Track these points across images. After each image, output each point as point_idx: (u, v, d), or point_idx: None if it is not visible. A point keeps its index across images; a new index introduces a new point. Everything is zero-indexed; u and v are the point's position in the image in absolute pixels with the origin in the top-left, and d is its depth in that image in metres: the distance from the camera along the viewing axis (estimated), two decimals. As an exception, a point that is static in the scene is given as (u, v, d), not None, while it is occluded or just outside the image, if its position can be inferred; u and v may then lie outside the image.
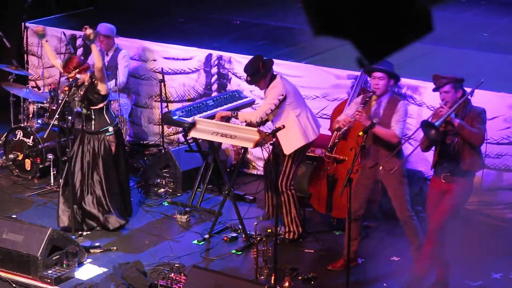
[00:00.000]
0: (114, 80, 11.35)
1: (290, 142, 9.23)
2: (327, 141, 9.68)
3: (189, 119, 9.83)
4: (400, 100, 8.60)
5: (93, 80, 9.42)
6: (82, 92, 9.43)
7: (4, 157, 11.42)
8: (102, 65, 9.40)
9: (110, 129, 9.61)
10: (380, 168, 8.50)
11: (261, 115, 9.22)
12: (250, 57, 10.47)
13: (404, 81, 10.17)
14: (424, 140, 8.14)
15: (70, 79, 9.45)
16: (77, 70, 9.41)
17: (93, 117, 9.55)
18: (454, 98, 7.95)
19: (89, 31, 9.37)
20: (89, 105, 9.49)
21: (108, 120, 9.57)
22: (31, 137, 11.06)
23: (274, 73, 9.34)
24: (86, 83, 9.44)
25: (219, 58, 11.60)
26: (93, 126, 9.58)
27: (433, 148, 8.21)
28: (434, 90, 8.13)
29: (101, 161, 9.58)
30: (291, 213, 9.46)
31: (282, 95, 9.15)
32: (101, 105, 9.51)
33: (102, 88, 9.42)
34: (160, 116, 11.67)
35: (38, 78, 12.97)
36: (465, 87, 8.04)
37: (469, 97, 8.04)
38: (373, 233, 9.62)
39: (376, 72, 8.47)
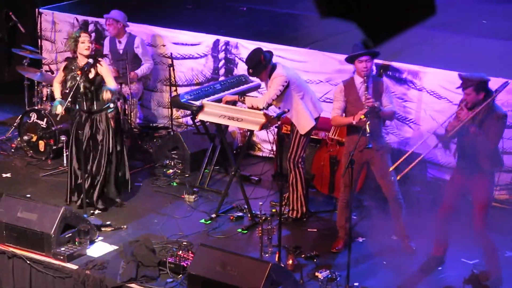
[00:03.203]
0: (145, 66, 11.52)
1: (302, 123, 9.28)
2: (329, 124, 9.66)
3: (197, 103, 9.82)
4: (381, 79, 8.74)
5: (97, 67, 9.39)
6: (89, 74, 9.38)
7: (18, 139, 11.43)
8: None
9: (111, 105, 9.59)
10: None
11: (267, 100, 9.24)
12: (256, 42, 10.46)
13: (404, 66, 10.15)
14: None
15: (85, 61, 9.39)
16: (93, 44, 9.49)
17: (98, 97, 9.47)
18: (475, 100, 7.88)
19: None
20: (95, 85, 9.42)
21: None
22: (45, 119, 11.08)
23: (274, 63, 9.33)
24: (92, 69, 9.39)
25: (226, 43, 11.58)
26: (97, 106, 9.50)
27: None
28: (458, 88, 8.10)
29: (106, 139, 9.53)
30: (297, 191, 9.47)
31: (286, 81, 9.17)
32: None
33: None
34: (169, 100, 11.67)
35: (52, 62, 12.99)
36: (475, 73, 7.98)
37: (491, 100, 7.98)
38: (373, 213, 9.59)
39: (362, 56, 8.51)
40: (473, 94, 7.88)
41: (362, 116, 8.47)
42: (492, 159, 8.09)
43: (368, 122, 8.31)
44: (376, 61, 10.20)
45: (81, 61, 9.37)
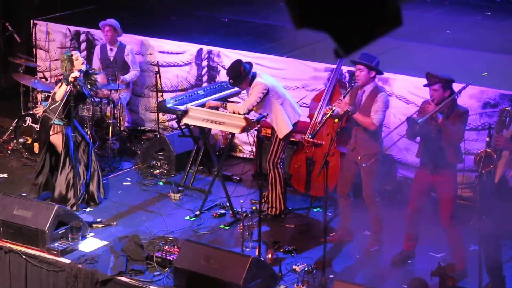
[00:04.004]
0: (132, 73, 11.53)
1: (281, 128, 9.27)
2: (306, 127, 9.69)
3: (182, 107, 9.82)
4: (380, 92, 8.58)
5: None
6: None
7: (15, 141, 11.38)
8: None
9: None
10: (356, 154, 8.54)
11: (248, 107, 9.24)
12: (237, 51, 10.47)
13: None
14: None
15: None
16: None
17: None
18: (441, 97, 7.98)
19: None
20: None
21: None
22: (39, 123, 11.01)
23: (254, 72, 9.32)
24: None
25: (209, 52, 11.57)
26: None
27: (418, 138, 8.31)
28: (425, 86, 8.16)
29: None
30: (276, 190, 9.46)
31: (265, 89, 9.16)
32: None
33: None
34: (156, 104, 11.65)
35: (46, 70, 12.92)
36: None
37: (455, 97, 8.08)
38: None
39: (357, 64, 8.50)
40: (440, 91, 7.97)
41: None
42: (455, 154, 8.15)
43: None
44: (348, 68, 10.26)
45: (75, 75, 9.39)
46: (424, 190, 8.33)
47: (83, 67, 9.38)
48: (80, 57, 9.45)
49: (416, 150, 8.52)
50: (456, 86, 8.20)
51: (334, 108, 8.51)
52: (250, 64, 9.40)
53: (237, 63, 9.35)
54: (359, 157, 8.54)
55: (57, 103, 9.40)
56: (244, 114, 9.25)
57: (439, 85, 7.98)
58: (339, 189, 8.92)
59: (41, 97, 11.27)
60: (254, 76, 9.26)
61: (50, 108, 9.48)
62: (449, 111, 8.01)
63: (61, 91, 9.33)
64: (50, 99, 9.72)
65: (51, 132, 9.49)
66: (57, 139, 9.50)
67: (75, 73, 9.21)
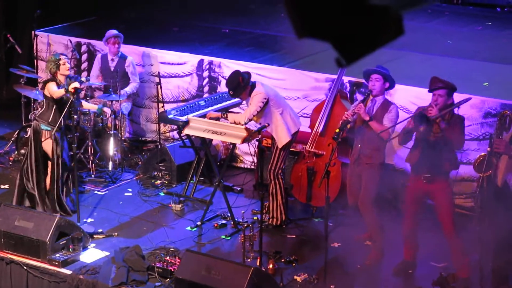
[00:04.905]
0: (133, 85, 11.55)
1: (280, 137, 9.26)
2: (307, 138, 9.69)
3: (183, 118, 9.82)
4: (392, 104, 8.64)
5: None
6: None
7: (16, 152, 11.38)
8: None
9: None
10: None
11: (248, 117, 9.24)
12: (238, 62, 10.47)
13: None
14: (403, 133, 8.18)
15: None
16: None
17: None
18: (445, 103, 8.00)
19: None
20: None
21: None
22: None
23: (253, 81, 9.33)
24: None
25: (210, 63, 11.57)
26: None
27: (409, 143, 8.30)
28: (429, 91, 8.15)
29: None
30: (277, 200, 9.46)
31: (265, 98, 9.16)
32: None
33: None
34: (157, 115, 11.65)
35: (47, 81, 12.91)
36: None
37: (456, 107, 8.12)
38: (348, 220, 9.58)
39: (373, 74, 8.51)
40: (445, 97, 7.99)
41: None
42: (454, 160, 8.18)
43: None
44: (349, 78, 10.25)
45: (62, 80, 9.42)
46: (419, 199, 8.32)
47: (67, 72, 9.43)
48: (67, 63, 9.47)
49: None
50: (457, 99, 8.22)
51: (355, 112, 8.52)
52: (248, 74, 9.41)
53: (235, 74, 9.36)
54: (361, 167, 8.54)
55: (43, 109, 9.47)
56: (245, 123, 9.26)
57: (445, 91, 8.01)
58: (350, 200, 8.92)
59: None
60: (253, 86, 9.27)
61: (38, 115, 9.57)
62: (449, 118, 8.03)
63: (58, 94, 9.34)
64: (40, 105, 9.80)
65: (42, 139, 9.52)
66: (47, 145, 9.52)
67: (75, 84, 9.25)
